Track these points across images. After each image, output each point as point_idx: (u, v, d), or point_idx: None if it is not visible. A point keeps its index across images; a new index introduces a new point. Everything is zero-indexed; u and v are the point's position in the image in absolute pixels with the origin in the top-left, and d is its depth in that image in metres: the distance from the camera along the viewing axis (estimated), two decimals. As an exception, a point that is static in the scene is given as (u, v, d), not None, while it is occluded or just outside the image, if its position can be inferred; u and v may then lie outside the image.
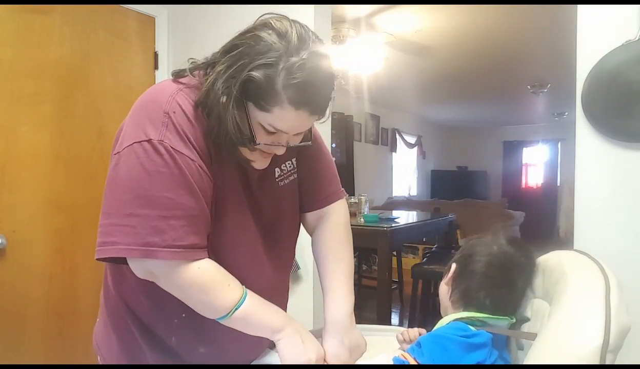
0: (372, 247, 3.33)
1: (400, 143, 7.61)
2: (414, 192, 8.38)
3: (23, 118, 1.83)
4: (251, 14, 2.15)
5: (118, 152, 0.76)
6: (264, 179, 0.89)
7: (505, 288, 0.88)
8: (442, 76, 5.08)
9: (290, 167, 0.95)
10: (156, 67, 2.33)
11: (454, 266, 0.93)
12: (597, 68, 1.17)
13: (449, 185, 8.52)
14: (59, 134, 1.95)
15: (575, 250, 0.89)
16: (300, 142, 0.83)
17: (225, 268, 0.79)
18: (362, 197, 3.59)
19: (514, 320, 0.87)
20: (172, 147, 0.72)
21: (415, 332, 0.99)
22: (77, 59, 2.00)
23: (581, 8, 1.21)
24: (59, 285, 1.95)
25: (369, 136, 6.73)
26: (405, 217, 3.81)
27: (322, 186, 1.02)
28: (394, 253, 3.87)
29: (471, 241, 0.95)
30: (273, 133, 0.77)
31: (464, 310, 0.89)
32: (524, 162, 9.04)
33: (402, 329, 1.03)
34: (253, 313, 0.79)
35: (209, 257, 0.77)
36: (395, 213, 4.18)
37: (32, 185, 1.86)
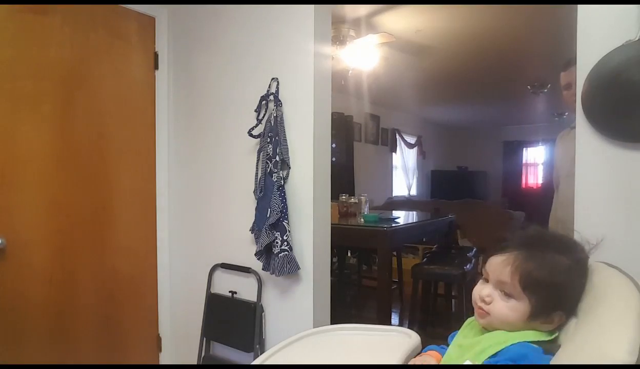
0: (372, 247, 3.33)
1: (400, 143, 7.61)
2: (414, 192, 8.38)
3: (23, 118, 1.83)
4: (251, 13, 2.16)
5: None
6: None
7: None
8: (442, 76, 5.08)
9: None
10: (156, 67, 2.33)
11: (563, 316, 0.81)
12: (597, 69, 1.17)
13: (449, 185, 8.51)
14: (59, 134, 1.94)
15: (604, 263, 0.86)
16: None
17: None
18: (362, 197, 3.60)
19: None
20: None
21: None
22: (77, 59, 2.00)
23: (581, 8, 1.20)
24: (58, 285, 1.95)
25: (369, 136, 6.73)
26: (405, 217, 3.81)
27: None
28: (394, 253, 3.86)
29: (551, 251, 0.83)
30: None
31: (539, 330, 0.81)
32: (524, 161, 9.04)
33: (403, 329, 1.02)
34: None
35: None
36: (395, 213, 4.17)
37: (32, 185, 1.86)
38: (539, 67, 4.53)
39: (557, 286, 0.79)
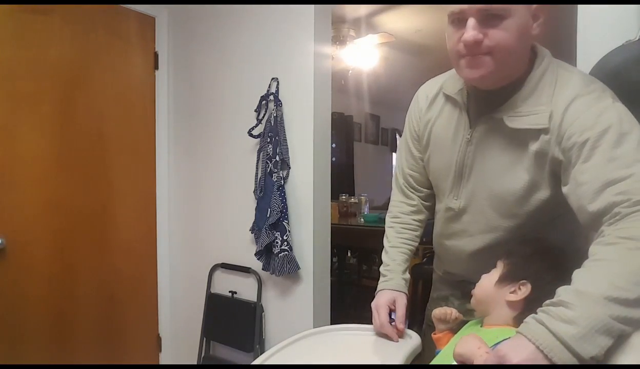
0: (372, 247, 3.33)
1: (400, 143, 7.61)
2: (414, 192, 8.37)
3: (23, 119, 1.83)
4: (251, 13, 2.15)
5: None
6: None
7: None
8: (442, 76, 5.07)
9: None
10: (156, 67, 2.33)
11: (528, 286, 0.81)
12: (597, 69, 1.16)
13: (449, 185, 8.50)
14: (59, 135, 1.94)
15: None
16: None
17: None
18: (362, 197, 3.60)
19: None
20: None
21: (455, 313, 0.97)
22: (77, 59, 2.00)
23: (581, 8, 1.20)
24: (58, 285, 1.95)
25: (369, 136, 6.73)
26: (405, 217, 3.80)
27: None
28: (394, 253, 3.85)
29: (541, 246, 0.85)
30: None
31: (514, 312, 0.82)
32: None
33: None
34: None
35: None
36: (395, 213, 4.16)
37: (32, 185, 1.86)
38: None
39: (528, 256, 0.84)
